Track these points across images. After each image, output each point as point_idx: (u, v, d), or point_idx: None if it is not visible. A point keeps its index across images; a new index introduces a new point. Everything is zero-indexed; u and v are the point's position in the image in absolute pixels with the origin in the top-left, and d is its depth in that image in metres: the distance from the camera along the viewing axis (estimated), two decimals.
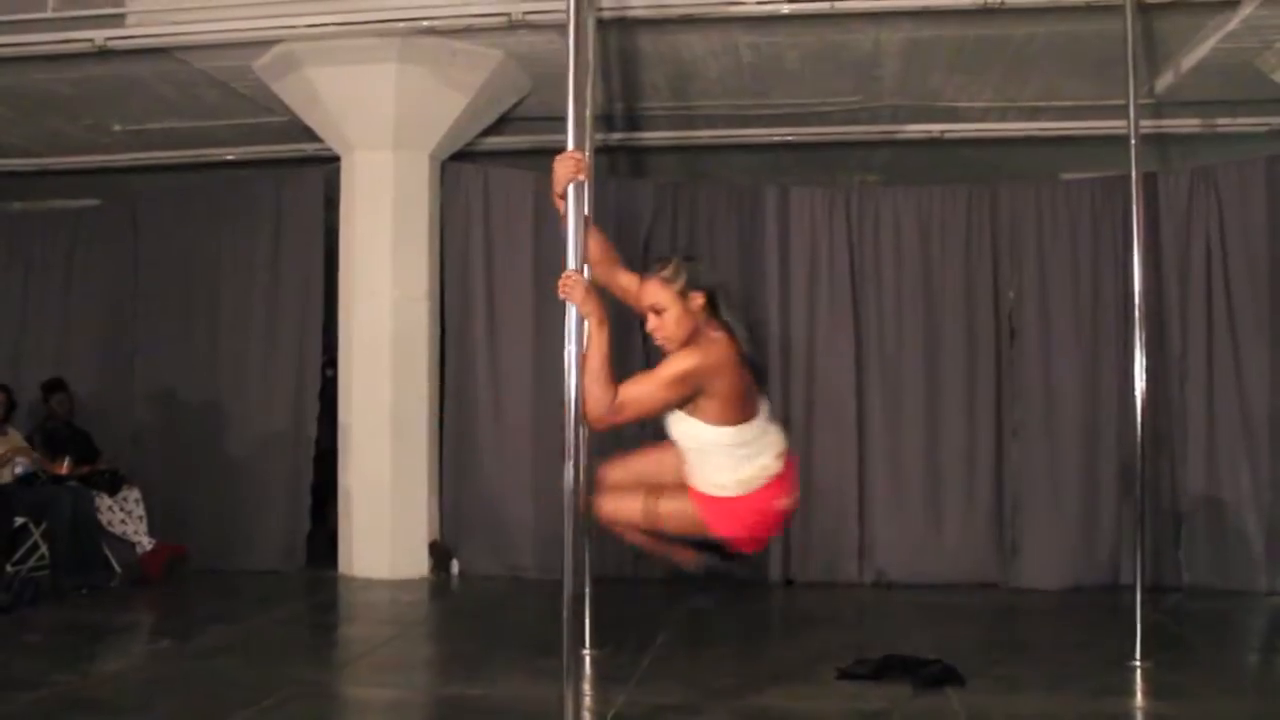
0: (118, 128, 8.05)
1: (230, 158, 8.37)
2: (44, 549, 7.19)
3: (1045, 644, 5.70)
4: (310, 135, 7.77)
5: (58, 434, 7.64)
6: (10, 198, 9.60)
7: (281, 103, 7.40)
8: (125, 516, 7.44)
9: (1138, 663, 4.94)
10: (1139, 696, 4.65)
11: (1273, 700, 4.55)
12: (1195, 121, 7.46)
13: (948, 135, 7.79)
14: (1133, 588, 5.12)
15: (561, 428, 3.52)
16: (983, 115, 7.63)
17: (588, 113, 4.78)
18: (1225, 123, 7.48)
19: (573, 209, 3.38)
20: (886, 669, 4.82)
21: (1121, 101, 5.29)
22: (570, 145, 3.31)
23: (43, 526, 7.16)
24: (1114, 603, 6.49)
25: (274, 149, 8.28)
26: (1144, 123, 5.31)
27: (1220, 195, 7.18)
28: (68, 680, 4.77)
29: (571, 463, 3.11)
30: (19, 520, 7.16)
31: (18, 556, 7.18)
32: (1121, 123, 5.31)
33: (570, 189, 3.42)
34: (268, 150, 8.30)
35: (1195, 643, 5.79)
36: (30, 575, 7.06)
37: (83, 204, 9.11)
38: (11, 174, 8.75)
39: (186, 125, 8.04)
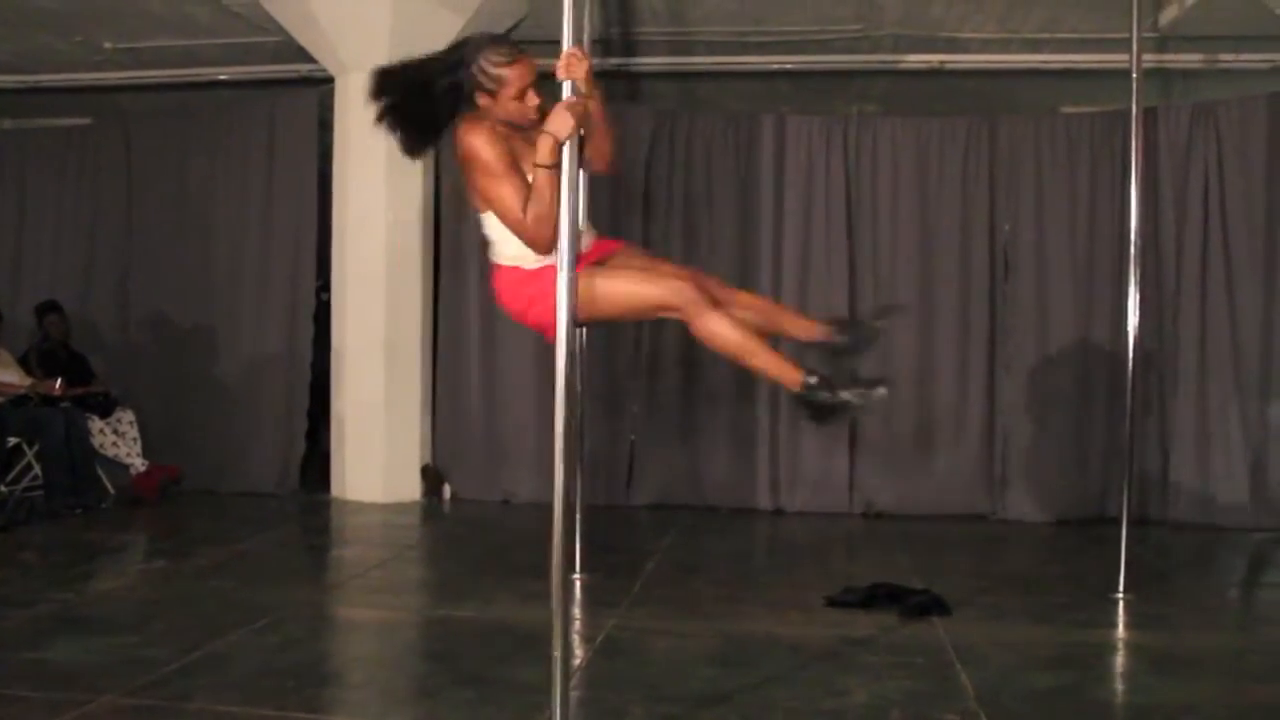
0: (109, 45, 7.93)
1: (223, 78, 8.26)
2: (37, 469, 7.22)
3: (1031, 575, 5.76)
4: (304, 56, 7.67)
5: (54, 355, 7.63)
6: (1, 115, 9.49)
7: (275, 22, 7.29)
8: (118, 439, 7.47)
9: (1121, 595, 5.02)
10: (1121, 628, 4.71)
11: (1251, 634, 4.61)
12: (1198, 57, 7.38)
13: (948, 66, 7.70)
14: (1118, 521, 5.18)
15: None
16: (984, 46, 7.55)
17: (585, 37, 4.73)
18: (1228, 59, 7.39)
19: (567, 154, 3.14)
20: (874, 598, 4.87)
21: (1124, 35, 5.23)
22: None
23: (35, 447, 7.18)
24: (1100, 536, 6.56)
25: (267, 69, 8.17)
26: (1146, 57, 5.27)
27: (1220, 132, 7.13)
28: (62, 598, 4.81)
29: (561, 386, 3.06)
30: (12, 441, 7.18)
31: (11, 477, 7.21)
32: (1124, 56, 5.26)
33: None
34: (261, 71, 8.19)
35: (1178, 577, 5.86)
36: (24, 495, 7.12)
37: (75, 123, 9.01)
38: (2, 91, 8.63)
39: (178, 44, 7.93)
